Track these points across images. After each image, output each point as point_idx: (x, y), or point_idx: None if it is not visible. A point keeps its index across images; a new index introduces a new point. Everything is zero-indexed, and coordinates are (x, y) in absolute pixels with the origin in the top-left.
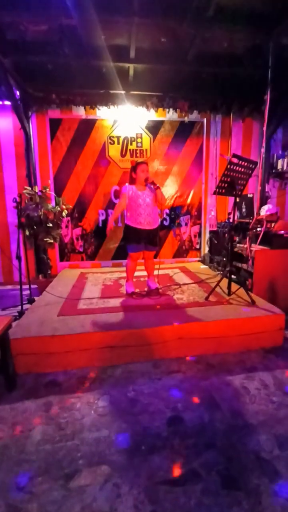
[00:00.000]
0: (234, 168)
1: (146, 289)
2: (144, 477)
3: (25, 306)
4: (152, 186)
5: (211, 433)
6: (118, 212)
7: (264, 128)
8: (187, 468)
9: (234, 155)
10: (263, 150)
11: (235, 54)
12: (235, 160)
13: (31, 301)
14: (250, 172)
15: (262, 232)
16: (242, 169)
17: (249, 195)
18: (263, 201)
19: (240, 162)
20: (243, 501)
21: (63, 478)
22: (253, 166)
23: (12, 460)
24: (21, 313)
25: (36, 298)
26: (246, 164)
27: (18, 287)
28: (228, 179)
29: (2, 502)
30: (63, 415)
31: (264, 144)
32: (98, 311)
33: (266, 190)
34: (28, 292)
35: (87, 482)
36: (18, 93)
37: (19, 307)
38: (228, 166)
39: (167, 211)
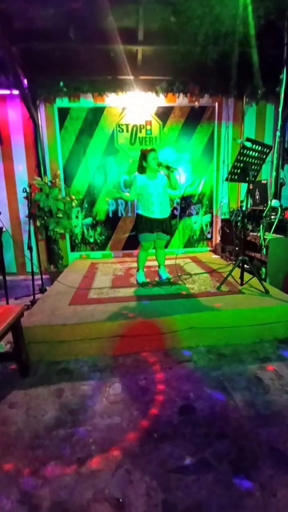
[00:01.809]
0: (247, 153)
1: (156, 279)
2: (155, 465)
3: (37, 296)
4: (167, 170)
5: (223, 423)
6: (126, 199)
7: (280, 110)
8: (199, 457)
9: (248, 139)
10: (278, 134)
11: (248, 33)
12: (248, 144)
13: (43, 290)
14: (264, 157)
15: (276, 220)
16: (256, 154)
17: (262, 182)
18: (278, 187)
19: (254, 146)
20: (256, 492)
21: (75, 463)
22: (267, 151)
23: (25, 445)
24: (33, 302)
25: (47, 287)
26: (260, 148)
27: (30, 277)
28: (241, 165)
29: (15, 487)
30: (75, 402)
31: (279, 128)
32: (109, 301)
33: (281, 176)
34: (40, 282)
35: (99, 467)
36: (25, 81)
37: (31, 296)
38: (241, 151)
39: (178, 200)
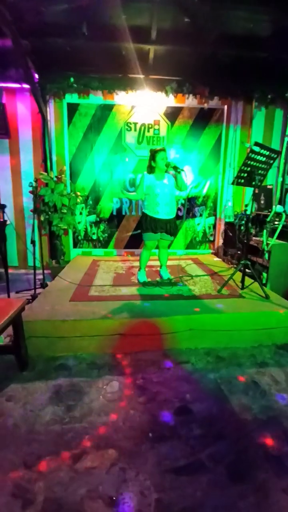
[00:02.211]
0: (255, 157)
1: (158, 279)
2: (151, 464)
3: (38, 290)
4: (174, 171)
5: (219, 426)
6: (131, 197)
7: None
8: (194, 459)
9: (256, 143)
10: (286, 139)
11: (260, 37)
12: (256, 149)
13: (44, 285)
14: (271, 162)
15: (280, 226)
16: (263, 159)
17: (268, 187)
18: (283, 193)
19: (262, 151)
20: (250, 496)
21: (71, 459)
22: (275, 156)
23: (21, 438)
24: (34, 297)
25: (49, 283)
26: (267, 153)
27: (32, 271)
28: (248, 169)
29: (10, 481)
30: (72, 398)
31: (287, 133)
32: (110, 299)
33: (287, 182)
34: (41, 276)
35: (94, 464)
36: (36, 76)
37: (32, 291)
38: (249, 155)
39: (183, 201)
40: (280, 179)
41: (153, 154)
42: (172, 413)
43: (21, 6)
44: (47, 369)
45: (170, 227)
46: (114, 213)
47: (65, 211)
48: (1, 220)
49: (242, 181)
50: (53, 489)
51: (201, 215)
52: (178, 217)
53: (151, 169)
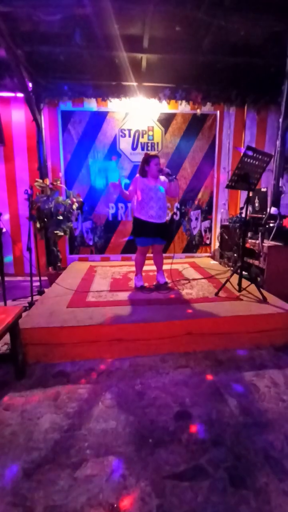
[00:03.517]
0: (248, 161)
1: (155, 283)
2: (151, 470)
3: (35, 297)
4: (167, 178)
5: (219, 430)
6: (124, 196)
7: (281, 120)
8: (195, 464)
9: (249, 147)
10: (278, 143)
11: (252, 44)
12: (249, 153)
13: (41, 292)
14: (264, 165)
15: (275, 228)
16: (257, 162)
17: (262, 190)
18: (277, 196)
19: (255, 154)
20: (251, 500)
21: (70, 467)
22: (268, 160)
23: (20, 447)
24: (31, 304)
25: (45, 289)
26: (260, 157)
27: (29, 278)
28: (242, 172)
29: (9, 490)
30: (71, 405)
31: (279, 137)
32: (107, 304)
33: (280, 184)
34: (38, 283)
35: (94, 472)
36: (30, 85)
37: (29, 298)
38: (242, 159)
39: (177, 205)
40: (274, 182)
41: (147, 158)
42: (171, 418)
43: (15, 16)
44: (45, 376)
45: (163, 231)
46: (110, 218)
47: (61, 217)
48: None
49: (237, 184)
50: (53, 497)
51: (196, 218)
52: (173, 221)
53: (143, 173)
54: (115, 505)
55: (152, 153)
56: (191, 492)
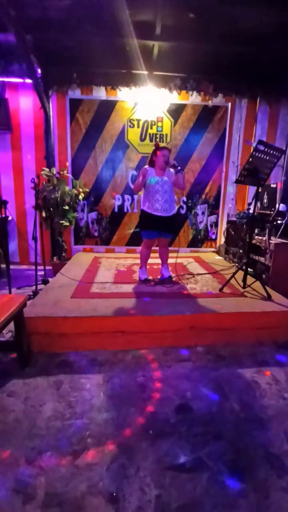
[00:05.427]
0: (259, 155)
1: (159, 276)
2: (151, 461)
3: (39, 287)
4: (174, 170)
5: (219, 424)
6: (138, 187)
7: None
8: (194, 456)
9: (260, 142)
10: None
11: (266, 34)
12: (261, 147)
13: (45, 282)
14: (275, 160)
15: (283, 225)
16: (268, 157)
17: (272, 185)
18: (287, 192)
19: (266, 149)
20: (250, 494)
21: (72, 455)
22: (279, 155)
23: (23, 434)
24: (35, 293)
25: (50, 279)
26: (272, 152)
27: (33, 267)
28: (252, 167)
29: (11, 476)
30: (73, 394)
31: None
32: (111, 296)
33: None
34: (42, 273)
35: (95, 461)
36: (39, 71)
37: (34, 287)
38: (253, 153)
39: (184, 199)
40: (284, 178)
41: (155, 150)
42: (172, 411)
43: (25, 1)
44: (49, 365)
45: (169, 225)
46: (116, 210)
47: (67, 207)
48: (3, 216)
49: (246, 179)
50: (54, 484)
51: (203, 213)
52: (179, 214)
53: (151, 163)
54: (115, 494)
55: (163, 144)
56: (190, 484)
